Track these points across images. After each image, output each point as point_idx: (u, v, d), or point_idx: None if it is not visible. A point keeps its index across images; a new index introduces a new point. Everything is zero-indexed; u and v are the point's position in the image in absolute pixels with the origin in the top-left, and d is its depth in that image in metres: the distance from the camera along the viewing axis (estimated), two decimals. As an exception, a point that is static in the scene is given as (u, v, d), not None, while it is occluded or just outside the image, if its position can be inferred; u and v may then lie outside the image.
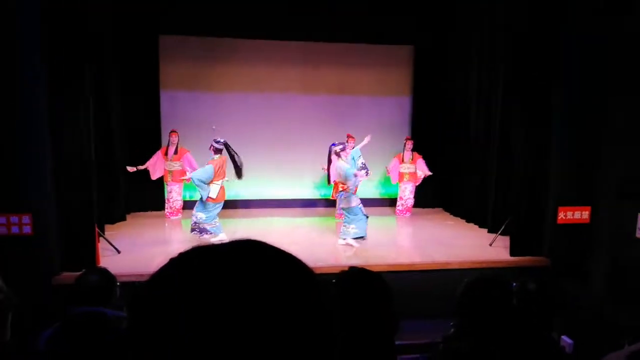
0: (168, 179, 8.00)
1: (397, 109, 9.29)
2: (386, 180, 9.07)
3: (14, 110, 4.82)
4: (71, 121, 5.17)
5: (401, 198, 8.69)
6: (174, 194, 8.09)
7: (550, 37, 5.67)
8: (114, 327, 1.50)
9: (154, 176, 7.97)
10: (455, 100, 8.57)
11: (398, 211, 8.69)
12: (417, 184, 8.67)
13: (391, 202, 9.01)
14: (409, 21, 8.60)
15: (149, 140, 8.41)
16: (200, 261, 0.59)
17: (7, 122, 4.81)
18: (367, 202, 8.64)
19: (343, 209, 6.65)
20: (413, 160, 8.61)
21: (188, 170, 7.89)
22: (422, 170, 8.57)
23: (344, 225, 6.57)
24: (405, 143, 8.64)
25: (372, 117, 9.15)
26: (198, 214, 6.32)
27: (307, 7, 8.03)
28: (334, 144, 6.66)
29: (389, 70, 9.14)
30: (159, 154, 7.97)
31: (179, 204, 8.16)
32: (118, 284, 2.36)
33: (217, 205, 6.39)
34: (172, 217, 8.10)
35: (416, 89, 9.20)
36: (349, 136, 7.93)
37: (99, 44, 6.77)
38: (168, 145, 7.99)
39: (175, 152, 7.93)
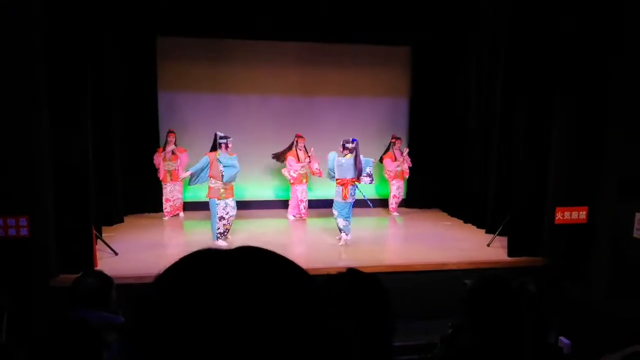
0: (167, 178, 8.02)
1: (394, 109, 9.30)
2: (381, 182, 9.07)
3: (13, 111, 4.81)
4: (70, 123, 5.16)
5: (395, 196, 8.76)
6: (175, 192, 8.16)
7: (550, 37, 5.67)
8: (98, 337, 1.49)
9: (162, 177, 8.09)
10: (453, 100, 8.58)
11: (392, 209, 8.74)
12: (405, 178, 8.82)
13: (383, 203, 9.00)
14: (407, 22, 8.59)
15: (147, 142, 8.40)
16: (201, 267, 0.58)
17: (5, 123, 4.79)
18: (358, 201, 8.69)
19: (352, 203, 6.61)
20: (404, 158, 8.68)
21: (183, 169, 7.95)
22: (407, 163, 8.68)
23: (347, 219, 6.55)
24: (394, 142, 8.68)
25: (370, 117, 9.16)
26: None
27: (305, 8, 8.02)
28: (354, 140, 6.59)
29: (387, 71, 9.15)
30: (156, 156, 8.04)
31: (179, 202, 8.22)
32: (115, 286, 2.35)
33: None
34: (168, 217, 8.12)
35: (414, 89, 9.20)
36: (298, 136, 8.13)
37: (98, 45, 6.75)
38: (165, 145, 8.00)
39: (173, 152, 7.98)
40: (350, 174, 6.47)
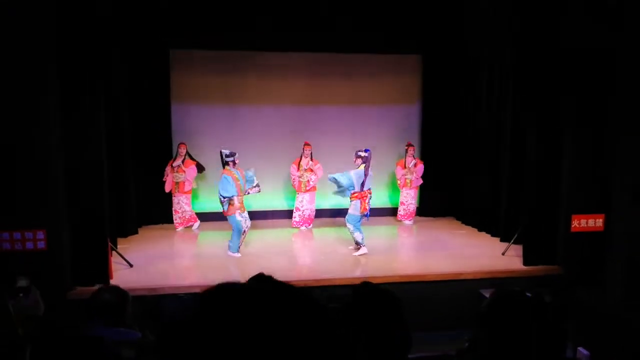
0: (175, 190, 8.10)
1: (406, 117, 9.29)
2: (393, 190, 9.04)
3: (28, 127, 4.89)
4: (84, 136, 5.25)
5: (403, 203, 8.70)
6: (182, 205, 8.18)
7: (562, 42, 5.64)
8: (113, 355, 1.51)
9: (167, 189, 8.13)
10: (465, 108, 8.55)
11: (400, 216, 8.69)
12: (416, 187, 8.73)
13: (392, 211, 8.96)
14: (417, 30, 8.61)
15: (160, 154, 8.48)
16: (227, 304, 0.68)
17: (21, 138, 4.88)
18: (373, 211, 8.68)
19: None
20: (415, 166, 8.61)
21: (188, 182, 8.05)
22: (419, 175, 8.60)
23: (362, 232, 6.55)
24: (407, 149, 8.65)
25: (381, 126, 9.15)
26: None
27: (316, 19, 8.07)
28: (367, 150, 6.64)
29: (398, 79, 9.15)
30: (167, 168, 8.12)
31: (188, 214, 8.25)
32: (131, 301, 2.38)
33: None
34: (180, 228, 8.17)
35: (425, 97, 9.19)
36: (305, 143, 8.19)
37: (110, 59, 6.86)
38: (175, 157, 8.08)
39: (182, 163, 8.07)
40: (369, 185, 6.48)
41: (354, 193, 6.49)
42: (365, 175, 6.46)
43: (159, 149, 8.47)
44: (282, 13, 7.98)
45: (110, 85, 6.93)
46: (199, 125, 8.72)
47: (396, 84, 9.15)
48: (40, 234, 4.95)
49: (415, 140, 9.27)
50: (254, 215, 8.08)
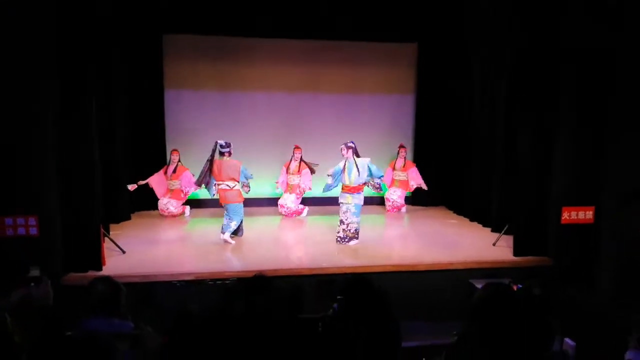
0: (167, 195, 8.14)
1: (400, 106, 9.28)
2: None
3: (20, 113, 4.85)
4: (76, 121, 5.20)
5: (388, 200, 8.74)
6: (170, 207, 8.10)
7: (555, 39, 5.65)
8: (108, 351, 1.52)
9: (160, 195, 8.11)
10: (459, 98, 8.55)
11: (388, 209, 8.76)
12: (409, 191, 8.77)
13: (383, 200, 9.01)
14: (413, 18, 8.57)
15: (153, 139, 8.45)
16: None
17: (14, 124, 4.83)
18: (366, 200, 8.71)
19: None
20: (405, 168, 8.68)
21: (185, 188, 8.06)
22: (415, 181, 8.65)
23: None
24: (398, 150, 8.67)
25: (376, 115, 9.15)
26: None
27: (311, 5, 8.01)
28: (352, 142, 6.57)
29: (393, 68, 9.13)
30: (160, 173, 8.10)
31: (173, 213, 8.14)
32: (125, 293, 2.39)
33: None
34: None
35: (420, 86, 9.18)
36: (295, 147, 8.29)
37: (104, 42, 6.78)
38: (168, 164, 8.08)
39: (174, 171, 8.05)
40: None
41: (364, 184, 6.52)
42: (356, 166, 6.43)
43: (152, 133, 8.44)
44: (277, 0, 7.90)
45: (104, 70, 6.87)
46: (193, 111, 8.68)
47: (392, 72, 9.13)
48: (32, 220, 4.93)
49: (409, 129, 9.29)
50: (251, 203, 8.10)
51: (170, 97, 8.58)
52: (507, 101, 7.04)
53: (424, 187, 8.64)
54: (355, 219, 6.53)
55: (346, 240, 6.53)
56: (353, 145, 6.51)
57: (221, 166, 6.52)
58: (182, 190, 8.09)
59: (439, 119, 8.98)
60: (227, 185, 6.55)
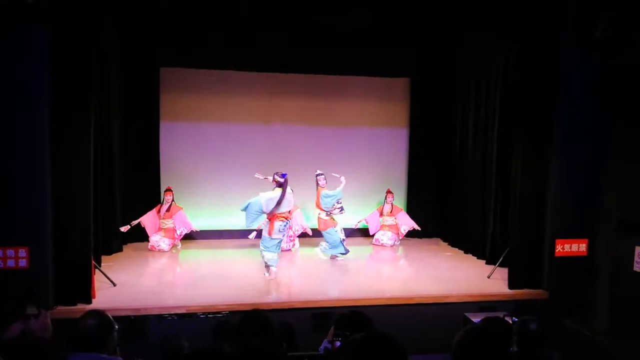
0: (161, 234, 7.98)
1: (394, 140, 9.37)
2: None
3: (14, 141, 4.84)
4: (71, 153, 5.17)
5: (377, 240, 8.62)
6: (162, 244, 7.90)
7: (549, 70, 5.76)
8: None
9: (151, 233, 7.94)
10: (452, 131, 8.65)
11: (375, 243, 8.67)
12: (400, 238, 8.69)
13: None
14: (406, 54, 8.74)
15: (148, 170, 8.44)
16: None
17: (7, 154, 4.82)
18: (359, 231, 8.70)
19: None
20: (392, 213, 8.67)
21: (179, 229, 7.98)
22: (407, 224, 8.65)
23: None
24: (386, 196, 8.73)
25: (369, 148, 9.22)
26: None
27: (306, 40, 8.15)
28: (284, 175, 6.47)
29: (387, 102, 9.26)
30: (154, 212, 8.02)
31: (164, 248, 7.92)
32: (116, 328, 2.35)
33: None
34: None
35: (413, 120, 9.29)
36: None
37: (101, 74, 6.85)
38: (162, 203, 8.04)
39: (168, 210, 7.99)
40: (287, 207, 6.39)
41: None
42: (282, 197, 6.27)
43: (147, 166, 8.44)
44: (273, 35, 8.05)
45: (100, 100, 6.92)
46: (189, 143, 8.72)
47: (385, 106, 9.26)
48: (22, 252, 4.86)
49: (403, 161, 9.35)
50: (245, 234, 8.05)
51: (166, 129, 8.61)
52: (499, 132, 7.14)
53: (417, 227, 8.66)
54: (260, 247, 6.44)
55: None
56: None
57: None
58: (175, 230, 8.00)
59: (433, 152, 9.08)
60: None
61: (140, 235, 8.37)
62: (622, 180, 5.53)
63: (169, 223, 7.99)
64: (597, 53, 5.58)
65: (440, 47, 8.60)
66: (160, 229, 8.00)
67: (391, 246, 8.56)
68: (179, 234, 8.04)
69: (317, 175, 7.59)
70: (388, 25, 7.93)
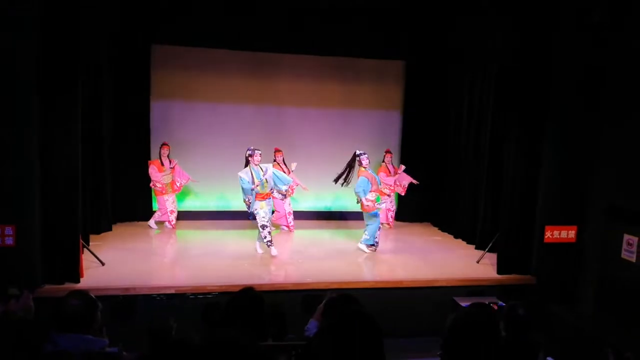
0: (168, 190, 7.95)
1: (387, 122, 9.31)
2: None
3: (2, 120, 4.75)
4: (59, 130, 5.08)
5: (390, 210, 8.70)
6: (169, 204, 7.99)
7: (543, 57, 5.73)
8: None
9: (162, 192, 7.95)
10: (445, 115, 8.61)
11: (391, 223, 8.73)
12: (403, 193, 8.68)
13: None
14: (401, 37, 8.65)
15: (138, 149, 8.34)
16: None
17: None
18: (352, 214, 8.67)
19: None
20: (396, 172, 8.57)
21: (178, 181, 7.94)
22: (406, 180, 8.52)
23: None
24: (385, 155, 8.63)
25: (363, 129, 9.15)
26: None
27: (301, 21, 8.04)
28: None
29: (380, 84, 9.17)
30: (155, 170, 7.86)
31: (174, 215, 8.07)
32: (100, 307, 2.31)
33: None
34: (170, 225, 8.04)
35: (406, 103, 9.24)
36: (275, 150, 8.12)
37: (91, 52, 6.71)
38: (160, 158, 7.95)
39: (170, 163, 7.97)
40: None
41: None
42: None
43: (136, 144, 8.34)
44: (266, 15, 7.92)
45: (89, 78, 6.80)
46: (179, 122, 8.61)
47: (380, 88, 9.18)
48: (9, 230, 4.81)
49: (396, 144, 9.31)
50: (236, 215, 8.01)
51: (156, 108, 8.49)
52: (492, 118, 7.11)
53: (415, 182, 8.49)
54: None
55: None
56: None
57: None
58: (174, 183, 7.96)
59: (425, 136, 9.03)
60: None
61: (129, 214, 8.33)
62: (611, 168, 5.55)
63: (169, 178, 7.94)
64: (590, 34, 5.56)
65: (434, 30, 8.51)
66: (164, 184, 7.92)
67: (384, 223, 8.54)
68: (178, 185, 7.98)
69: (359, 155, 7.00)
70: (383, 6, 7.81)
